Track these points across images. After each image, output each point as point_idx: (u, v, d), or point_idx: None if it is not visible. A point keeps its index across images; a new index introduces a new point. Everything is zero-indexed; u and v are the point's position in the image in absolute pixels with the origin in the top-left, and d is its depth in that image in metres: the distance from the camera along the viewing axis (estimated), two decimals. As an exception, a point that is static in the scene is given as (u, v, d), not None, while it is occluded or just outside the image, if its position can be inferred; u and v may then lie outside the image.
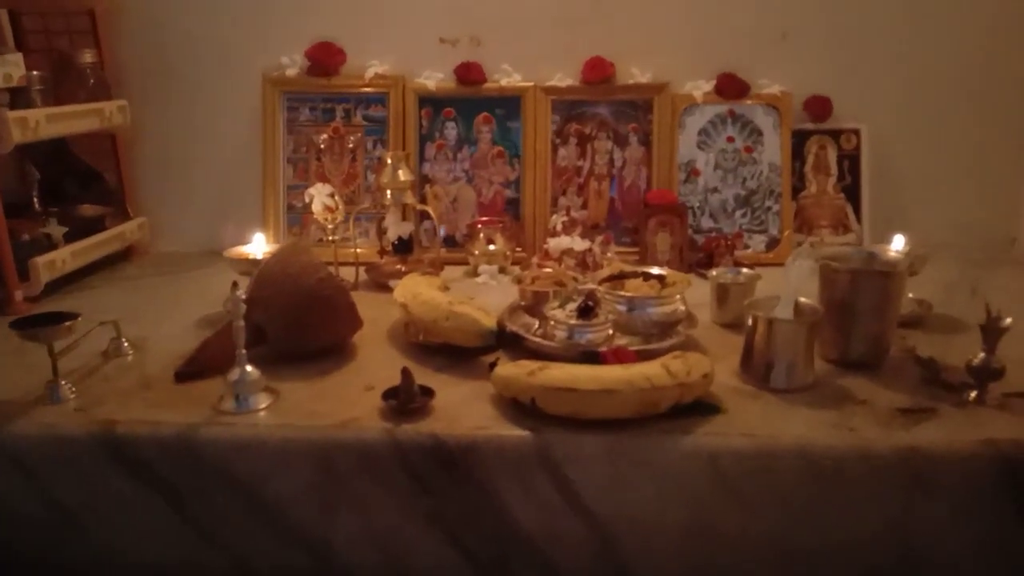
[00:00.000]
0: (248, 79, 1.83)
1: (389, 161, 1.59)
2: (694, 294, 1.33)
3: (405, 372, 1.04)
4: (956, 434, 1.00)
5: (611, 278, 1.30)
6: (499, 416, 1.04)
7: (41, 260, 1.51)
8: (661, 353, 1.12)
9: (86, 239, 1.66)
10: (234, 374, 1.07)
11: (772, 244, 1.77)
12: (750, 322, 1.14)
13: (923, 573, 1.00)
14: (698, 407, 1.03)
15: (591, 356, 1.13)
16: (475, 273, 1.69)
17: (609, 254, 1.65)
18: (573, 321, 1.17)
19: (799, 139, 1.79)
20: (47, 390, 1.10)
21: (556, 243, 1.63)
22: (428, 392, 1.06)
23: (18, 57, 1.50)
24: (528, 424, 1.01)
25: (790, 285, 1.16)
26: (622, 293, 1.23)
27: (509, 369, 1.05)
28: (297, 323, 1.18)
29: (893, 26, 1.76)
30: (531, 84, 1.79)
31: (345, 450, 1.00)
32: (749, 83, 1.78)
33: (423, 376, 1.16)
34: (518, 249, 1.78)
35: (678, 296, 1.26)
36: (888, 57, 1.77)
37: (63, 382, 1.11)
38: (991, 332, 1.05)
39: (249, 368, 1.07)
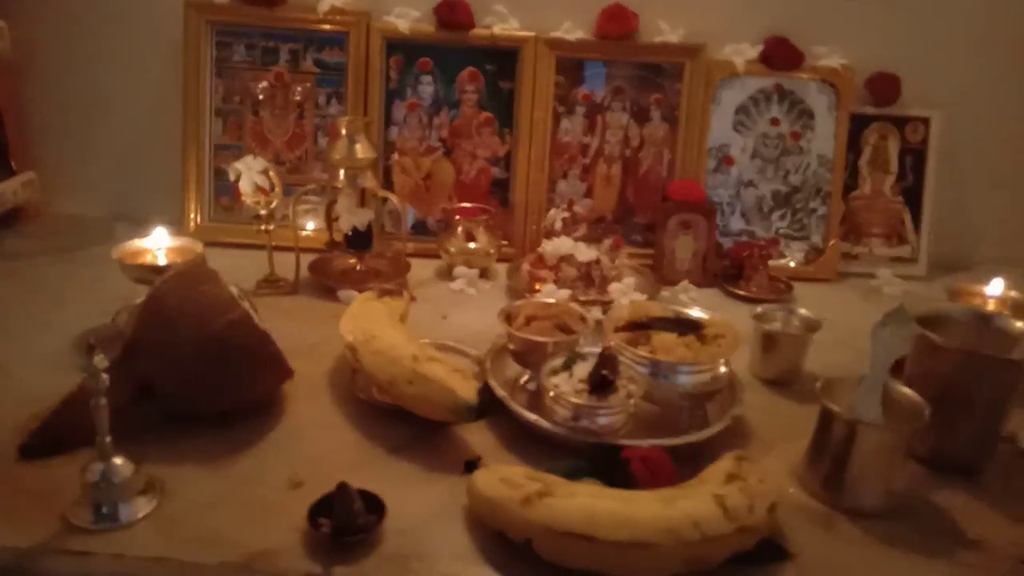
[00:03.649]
0: (167, 1, 1.41)
1: (344, 131, 1.22)
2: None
3: (342, 490, 0.72)
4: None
5: (633, 326, 0.97)
6: (477, 553, 0.73)
7: None
8: (701, 452, 0.82)
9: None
10: (93, 472, 0.73)
11: (814, 254, 1.45)
12: (822, 416, 0.83)
13: None
14: (759, 550, 0.73)
15: (606, 451, 0.82)
16: (450, 275, 1.35)
17: (618, 261, 1.32)
18: (583, 401, 0.84)
19: (856, 126, 1.45)
20: None
21: (554, 247, 1.30)
22: (375, 507, 0.74)
23: None
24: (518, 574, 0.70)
25: (878, 361, 0.85)
26: (647, 355, 0.91)
27: (494, 487, 0.73)
28: (197, 380, 0.84)
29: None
30: (531, 34, 1.40)
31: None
32: (803, 52, 1.42)
33: (372, 465, 0.85)
34: (504, 243, 1.44)
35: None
36: (973, 34, 1.42)
37: None
38: None
39: (119, 461, 0.74)
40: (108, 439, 0.73)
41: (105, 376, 0.71)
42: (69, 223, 1.52)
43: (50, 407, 0.86)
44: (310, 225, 1.45)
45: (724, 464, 0.77)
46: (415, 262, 1.37)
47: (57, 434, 0.82)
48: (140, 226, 1.46)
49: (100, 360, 0.70)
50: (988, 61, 1.44)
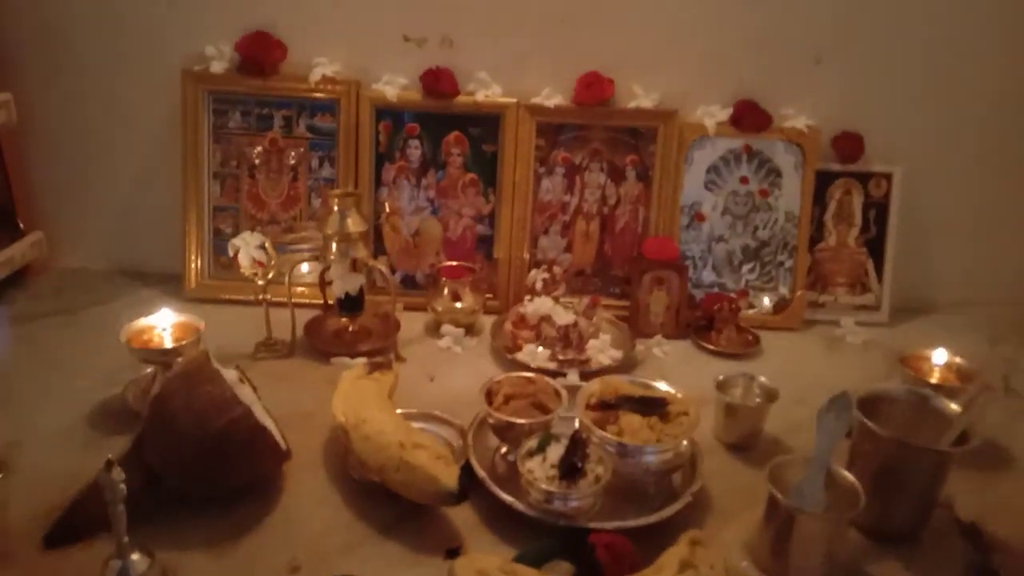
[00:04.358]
0: (164, 70, 1.48)
1: (336, 207, 1.29)
2: (692, 377, 1.18)
3: (336, 587, 0.81)
4: None
5: (602, 405, 1.05)
6: (458, 638, 0.82)
7: None
8: (665, 525, 0.91)
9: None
10: (112, 569, 0.82)
11: (781, 305, 1.54)
12: (770, 500, 0.91)
13: None
14: (707, 630, 0.82)
15: (576, 533, 0.90)
16: (437, 331, 1.43)
17: (595, 318, 1.40)
18: (554, 488, 0.93)
19: (822, 181, 1.53)
20: None
21: (535, 308, 1.38)
22: (367, 595, 0.83)
23: None
24: (494, 659, 0.79)
25: (821, 446, 0.93)
26: (614, 438, 0.99)
27: (472, 579, 0.82)
28: (204, 471, 0.92)
29: (941, 60, 1.48)
30: (513, 100, 1.48)
31: None
32: (771, 114, 1.49)
33: (363, 547, 0.93)
34: (489, 296, 1.52)
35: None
36: (932, 94, 1.50)
37: None
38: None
39: (136, 557, 0.83)
40: (126, 539, 0.82)
41: (123, 487, 0.79)
42: (73, 278, 1.60)
43: (68, 494, 0.94)
44: (304, 268, 1.51)
45: (679, 550, 0.86)
46: (405, 316, 1.46)
47: (77, 523, 0.91)
48: (141, 279, 1.57)
49: (118, 473, 0.79)
50: (946, 119, 1.52)
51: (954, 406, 0.99)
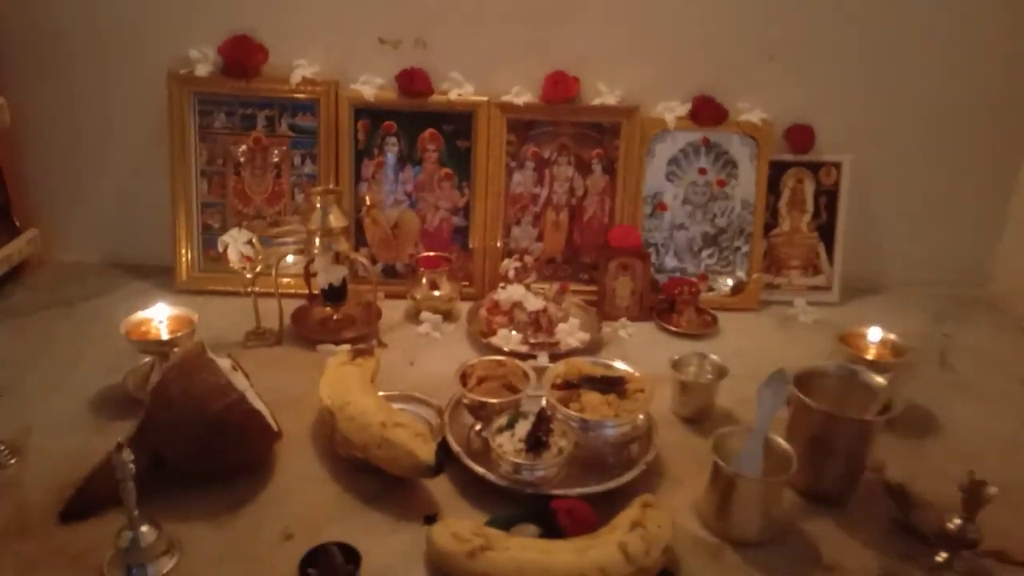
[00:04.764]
0: (151, 73, 1.55)
1: (318, 204, 1.38)
2: (654, 357, 1.30)
3: (325, 551, 0.90)
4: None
5: (566, 385, 1.16)
6: (434, 593, 0.92)
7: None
8: (617, 498, 1.02)
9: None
10: (124, 539, 0.91)
11: (739, 287, 1.64)
12: (714, 466, 1.02)
13: None
14: (655, 581, 0.93)
15: (541, 500, 1.01)
16: (416, 318, 1.53)
17: (564, 304, 1.50)
18: (521, 460, 1.03)
19: (776, 171, 1.63)
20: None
21: (507, 295, 1.48)
22: (353, 558, 0.93)
23: None
24: (467, 609, 0.90)
25: (760, 416, 1.04)
26: (576, 414, 1.10)
27: (446, 540, 0.92)
28: (203, 452, 1.02)
29: (887, 56, 1.58)
30: (484, 99, 1.56)
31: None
32: (727, 108, 1.59)
33: (350, 517, 1.03)
34: (465, 284, 1.61)
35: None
36: (878, 88, 1.60)
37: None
38: (972, 499, 0.96)
39: (145, 528, 0.92)
40: (136, 512, 0.91)
41: (132, 466, 0.88)
42: (70, 272, 1.68)
43: (81, 473, 1.03)
44: (290, 259, 1.60)
45: (632, 512, 0.97)
46: (386, 304, 1.55)
47: (89, 500, 1.00)
48: (134, 272, 1.65)
49: (127, 454, 0.88)
50: (891, 111, 1.62)
51: (879, 380, 1.10)
